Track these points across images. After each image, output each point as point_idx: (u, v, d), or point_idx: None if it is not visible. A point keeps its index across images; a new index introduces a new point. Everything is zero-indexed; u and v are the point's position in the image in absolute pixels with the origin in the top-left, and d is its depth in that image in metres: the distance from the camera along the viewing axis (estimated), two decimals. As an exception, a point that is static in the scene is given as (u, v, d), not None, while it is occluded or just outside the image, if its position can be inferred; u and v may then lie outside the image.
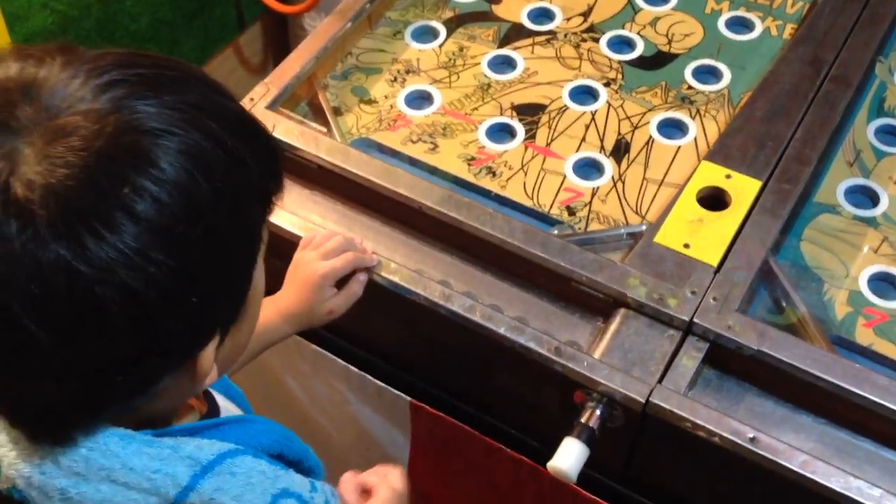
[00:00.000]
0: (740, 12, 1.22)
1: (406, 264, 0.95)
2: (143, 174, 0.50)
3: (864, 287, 0.94)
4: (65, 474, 0.57)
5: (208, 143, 0.53)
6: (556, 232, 0.98)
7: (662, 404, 0.82)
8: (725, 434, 0.80)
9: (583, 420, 0.84)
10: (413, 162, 1.06)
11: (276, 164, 0.60)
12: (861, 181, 1.03)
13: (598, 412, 0.84)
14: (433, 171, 1.06)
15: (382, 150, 1.08)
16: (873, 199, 1.02)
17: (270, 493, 0.62)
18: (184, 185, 0.51)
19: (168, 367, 0.57)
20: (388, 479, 0.81)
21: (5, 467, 0.59)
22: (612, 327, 0.89)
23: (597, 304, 0.92)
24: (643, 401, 0.82)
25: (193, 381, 0.59)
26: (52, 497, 0.57)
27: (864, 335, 0.91)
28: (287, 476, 0.64)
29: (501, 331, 0.88)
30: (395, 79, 1.16)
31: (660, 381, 0.84)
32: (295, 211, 1.00)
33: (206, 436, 0.62)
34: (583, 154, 1.06)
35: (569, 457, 0.80)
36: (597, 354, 0.87)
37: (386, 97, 1.13)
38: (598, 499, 0.90)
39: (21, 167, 0.49)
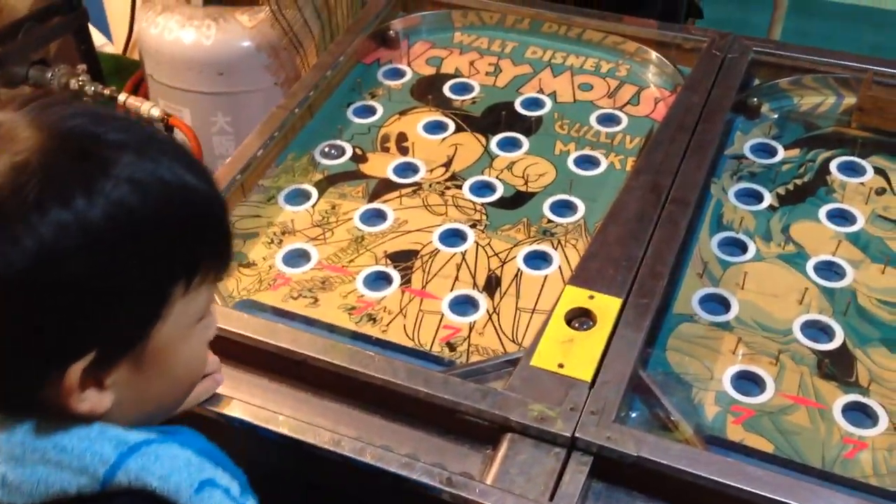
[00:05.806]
0: (586, 151, 1.33)
1: (294, 416, 0.96)
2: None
3: (728, 386, 1.01)
4: (4, 459, 0.60)
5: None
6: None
7: (555, 521, 0.84)
8: (618, 542, 0.83)
9: (483, 549, 0.85)
10: (295, 318, 1.10)
11: (221, 242, 0.68)
12: (712, 290, 1.12)
13: (495, 538, 0.85)
14: (315, 323, 1.09)
15: (264, 309, 1.11)
16: (725, 306, 1.10)
17: (197, 480, 0.63)
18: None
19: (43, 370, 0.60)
20: None
21: None
22: (501, 453, 0.92)
23: (484, 432, 0.95)
24: (536, 520, 0.84)
25: (63, 399, 0.61)
26: None
27: (734, 432, 0.97)
28: (214, 470, 0.65)
29: (393, 469, 0.89)
30: (272, 241, 1.20)
31: (550, 498, 0.87)
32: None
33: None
34: (457, 292, 1.12)
35: (471, 587, 0.81)
36: (489, 481, 0.89)
37: (264, 258, 1.18)
38: None
39: None
